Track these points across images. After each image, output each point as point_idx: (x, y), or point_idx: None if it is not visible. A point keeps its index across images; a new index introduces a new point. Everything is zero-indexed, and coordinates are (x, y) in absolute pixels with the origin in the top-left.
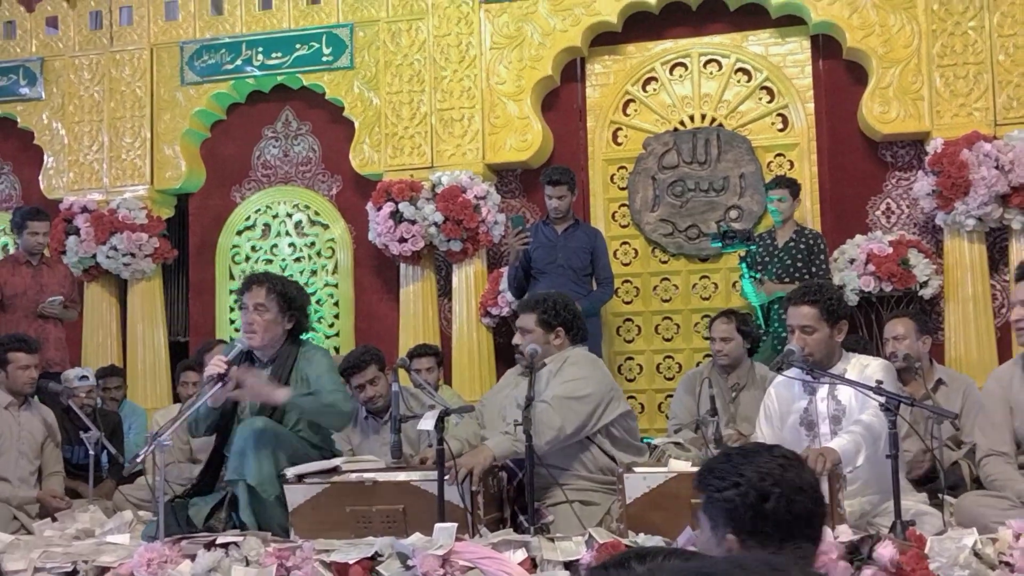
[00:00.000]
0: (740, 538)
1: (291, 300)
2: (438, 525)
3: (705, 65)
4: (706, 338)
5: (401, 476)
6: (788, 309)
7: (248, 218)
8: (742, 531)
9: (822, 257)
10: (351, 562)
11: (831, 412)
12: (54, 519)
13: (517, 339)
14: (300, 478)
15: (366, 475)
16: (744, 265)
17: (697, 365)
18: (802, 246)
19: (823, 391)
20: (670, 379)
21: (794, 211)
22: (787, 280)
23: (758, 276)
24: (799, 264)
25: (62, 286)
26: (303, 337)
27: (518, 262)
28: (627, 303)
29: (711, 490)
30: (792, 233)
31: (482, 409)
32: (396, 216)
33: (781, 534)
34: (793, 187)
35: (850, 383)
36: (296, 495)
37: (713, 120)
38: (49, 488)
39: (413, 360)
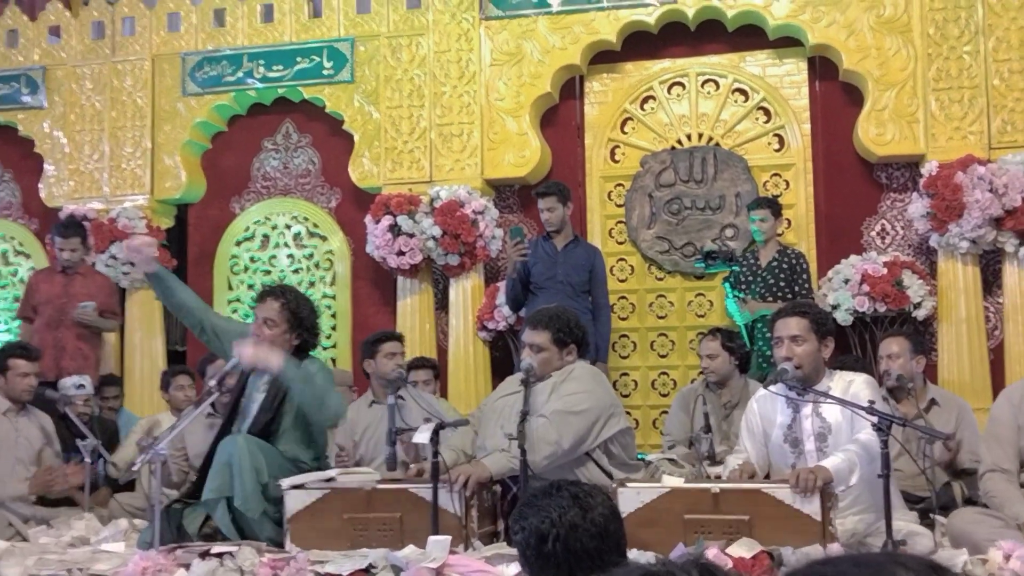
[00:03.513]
0: (533, 574)
1: (301, 320)
2: (432, 538)
3: (703, 85)
4: (699, 356)
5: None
6: (776, 323)
7: (247, 229)
8: (533, 572)
9: (805, 276)
10: (345, 574)
11: (816, 430)
12: (61, 503)
13: (526, 355)
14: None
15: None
16: (728, 285)
17: (692, 382)
18: (784, 266)
19: (807, 408)
20: (665, 395)
21: (776, 231)
22: (770, 299)
23: (741, 296)
24: (782, 283)
25: (94, 296)
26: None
27: (516, 275)
28: (623, 319)
29: (512, 532)
30: (775, 253)
31: (479, 415)
32: (394, 229)
33: (564, 572)
34: (774, 207)
35: (843, 403)
36: (294, 502)
37: (710, 139)
38: (35, 472)
39: (410, 372)
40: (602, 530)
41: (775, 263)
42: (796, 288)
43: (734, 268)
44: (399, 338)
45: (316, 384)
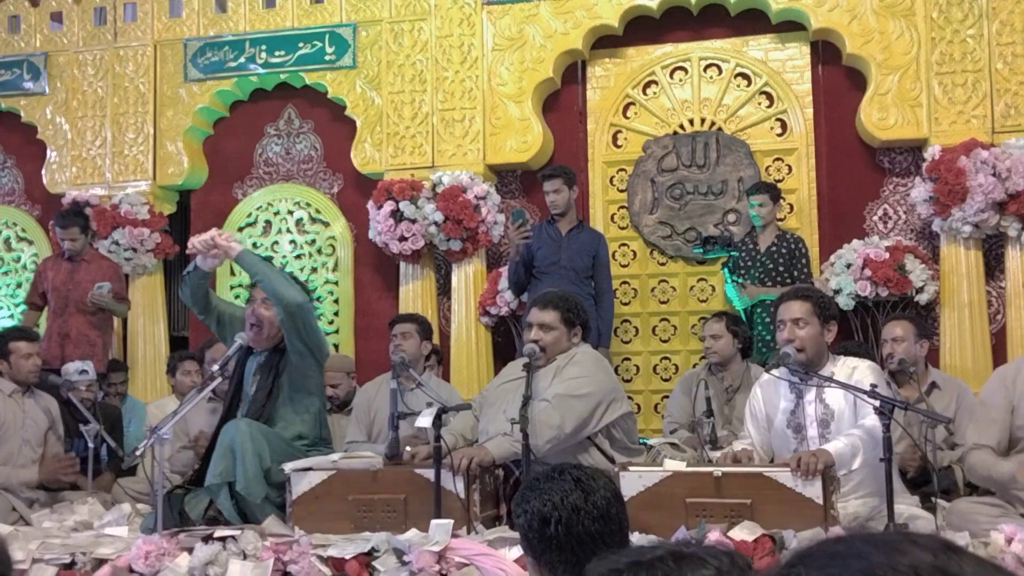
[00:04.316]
0: (538, 563)
1: None
2: (434, 521)
3: (705, 69)
4: (701, 338)
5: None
6: (779, 307)
7: (249, 215)
8: (536, 556)
9: (804, 261)
10: (348, 557)
11: (819, 415)
12: (64, 488)
13: (536, 335)
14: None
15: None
16: (726, 270)
17: (694, 367)
18: (784, 250)
19: (811, 394)
20: (667, 380)
21: (775, 215)
22: (769, 284)
23: (740, 280)
24: (781, 268)
25: (99, 281)
26: None
27: (519, 257)
28: (625, 304)
29: (515, 516)
30: (774, 238)
31: (480, 401)
32: (396, 215)
33: (567, 555)
34: (773, 192)
35: (845, 386)
36: (299, 484)
37: (712, 124)
38: (45, 459)
39: None
40: (604, 513)
41: (774, 248)
42: (795, 273)
43: (732, 253)
44: (406, 319)
45: (275, 267)
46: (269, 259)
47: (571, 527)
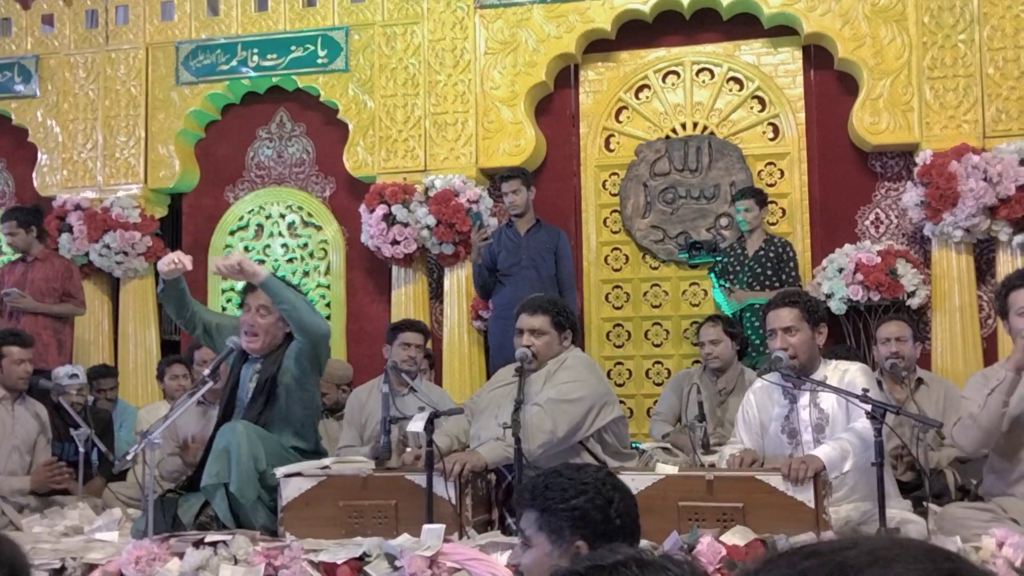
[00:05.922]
0: (590, 543)
1: None
2: (426, 526)
3: (697, 74)
4: (694, 344)
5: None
6: (768, 315)
7: (241, 218)
8: (593, 535)
9: (791, 265)
10: (339, 562)
11: (814, 420)
12: (56, 493)
13: (527, 340)
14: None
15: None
16: (713, 275)
17: (689, 368)
18: (771, 255)
19: (805, 399)
20: (659, 384)
21: (762, 220)
22: (757, 288)
23: (727, 285)
24: (769, 272)
25: (52, 280)
26: None
27: (481, 260)
28: (617, 308)
29: (553, 502)
30: (761, 242)
31: (472, 407)
32: (389, 219)
33: (625, 534)
34: (759, 197)
35: (838, 391)
36: (290, 490)
37: (705, 128)
38: (37, 467)
39: None
40: (635, 505)
41: (762, 252)
42: (783, 277)
43: (718, 258)
44: (418, 329)
45: (300, 294)
46: (295, 286)
47: (629, 510)
